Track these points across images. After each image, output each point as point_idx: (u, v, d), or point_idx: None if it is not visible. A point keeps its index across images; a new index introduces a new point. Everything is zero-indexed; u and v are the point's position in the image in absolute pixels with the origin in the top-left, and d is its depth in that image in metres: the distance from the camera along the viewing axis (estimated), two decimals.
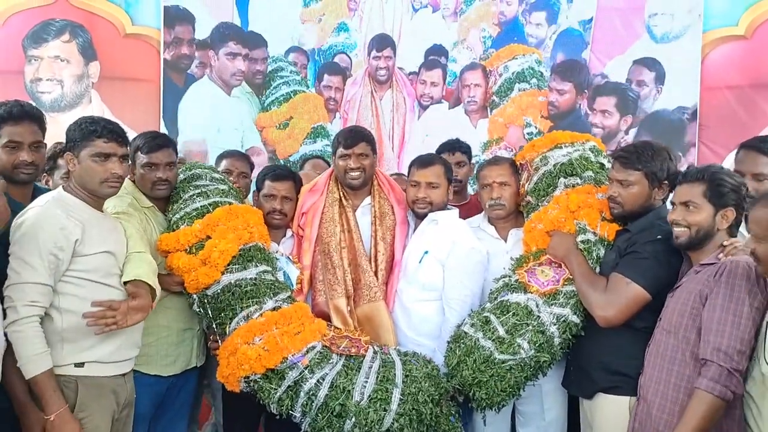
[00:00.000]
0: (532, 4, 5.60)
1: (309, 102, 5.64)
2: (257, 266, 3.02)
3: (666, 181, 2.87)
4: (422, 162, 3.35)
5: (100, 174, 2.63)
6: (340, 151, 3.34)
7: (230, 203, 3.14)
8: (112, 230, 2.76)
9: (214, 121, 5.58)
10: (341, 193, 3.41)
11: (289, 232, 3.42)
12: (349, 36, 5.71)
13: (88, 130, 2.64)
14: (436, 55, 5.65)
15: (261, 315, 2.92)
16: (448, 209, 3.34)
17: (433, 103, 5.64)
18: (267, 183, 3.38)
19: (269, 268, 3.07)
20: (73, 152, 2.65)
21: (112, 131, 2.66)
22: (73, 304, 2.55)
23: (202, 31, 5.62)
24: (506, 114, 5.55)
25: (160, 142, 3.13)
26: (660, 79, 5.51)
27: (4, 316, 2.43)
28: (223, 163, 3.85)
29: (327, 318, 3.18)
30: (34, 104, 3.05)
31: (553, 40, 5.60)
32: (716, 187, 2.54)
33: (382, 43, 5.67)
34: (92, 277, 2.60)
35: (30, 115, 2.79)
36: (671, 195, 2.77)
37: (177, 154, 3.25)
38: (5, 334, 2.42)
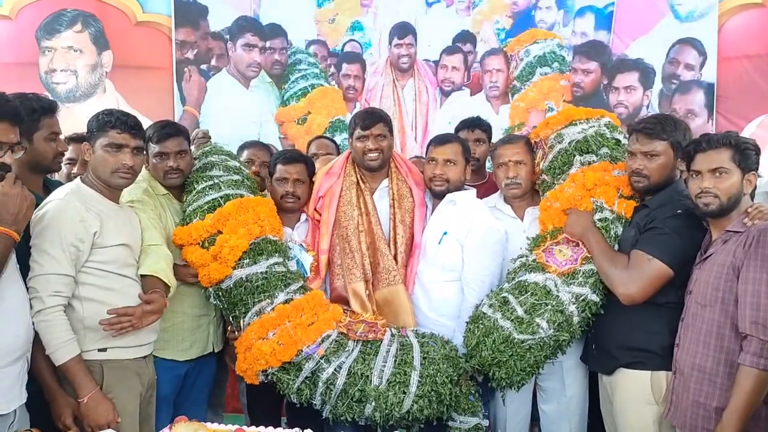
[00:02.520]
0: None
1: (327, 96, 5.64)
2: (268, 259, 3.03)
3: None
4: (440, 140, 3.36)
5: (111, 164, 2.69)
6: (358, 132, 3.31)
7: (242, 195, 3.13)
8: (127, 222, 2.81)
9: (233, 114, 5.59)
10: (358, 176, 3.38)
11: (303, 217, 3.41)
12: (364, 35, 5.69)
13: (103, 121, 2.71)
14: (461, 42, 5.61)
15: (273, 309, 2.94)
16: (466, 189, 3.33)
17: (455, 89, 5.60)
18: (279, 167, 3.37)
19: (281, 260, 3.07)
20: (90, 142, 2.72)
21: (125, 123, 2.71)
22: (92, 293, 2.62)
23: (217, 24, 5.64)
24: (528, 99, 5.50)
25: (169, 131, 3.15)
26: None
27: (31, 307, 2.48)
28: (245, 154, 3.86)
29: (345, 302, 3.19)
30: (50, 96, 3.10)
31: (568, 23, 5.55)
32: (743, 151, 2.51)
33: (404, 31, 5.65)
34: (110, 268, 2.66)
35: (56, 109, 2.88)
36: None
37: (189, 142, 3.26)
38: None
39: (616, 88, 5.49)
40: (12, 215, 2.29)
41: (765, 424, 2.44)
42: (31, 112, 2.68)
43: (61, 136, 2.93)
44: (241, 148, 3.99)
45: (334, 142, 4.52)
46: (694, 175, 2.60)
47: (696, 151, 2.59)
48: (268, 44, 5.62)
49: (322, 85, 5.64)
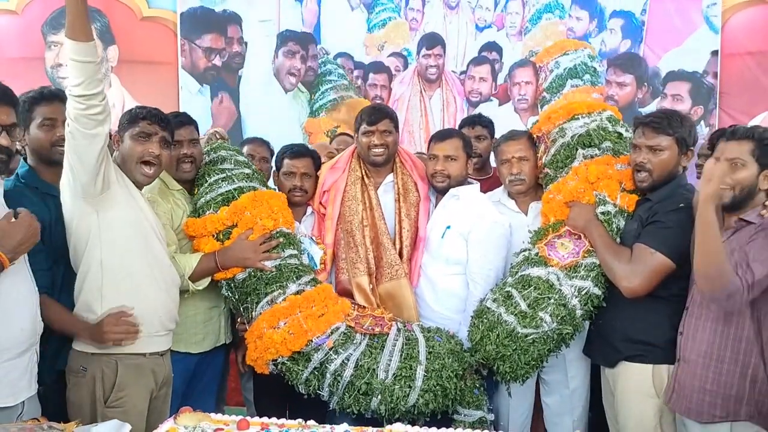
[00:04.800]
0: (602, 14, 5.48)
1: (355, 110, 5.57)
2: (283, 251, 3.07)
3: (692, 148, 2.85)
4: (440, 135, 3.37)
5: (138, 152, 2.75)
6: (364, 127, 3.33)
7: (254, 188, 3.16)
8: (150, 210, 2.88)
9: (271, 120, 5.65)
10: (363, 170, 3.40)
11: (309, 210, 3.44)
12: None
13: (135, 113, 2.81)
14: (487, 51, 5.58)
15: (284, 299, 2.98)
16: (469, 183, 3.35)
17: (483, 100, 5.56)
18: (286, 161, 3.41)
19: (294, 252, 3.11)
20: (120, 134, 2.80)
21: (156, 115, 2.81)
22: (114, 259, 2.65)
23: (248, 32, 5.72)
24: None
25: (182, 120, 3.20)
26: None
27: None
28: (245, 149, 3.89)
29: (350, 295, 3.22)
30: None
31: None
32: (765, 146, 2.50)
33: (432, 41, 5.64)
34: (133, 230, 2.71)
35: (59, 97, 2.83)
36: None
37: (198, 132, 3.31)
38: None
39: (665, 94, 5.40)
40: (13, 246, 2.28)
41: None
42: (23, 103, 2.69)
43: None
44: (242, 144, 4.04)
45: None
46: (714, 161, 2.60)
47: (719, 140, 2.60)
48: (303, 52, 5.69)
49: (351, 97, 5.64)
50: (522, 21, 5.55)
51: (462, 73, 5.68)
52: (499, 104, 5.58)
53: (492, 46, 5.58)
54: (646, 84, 5.45)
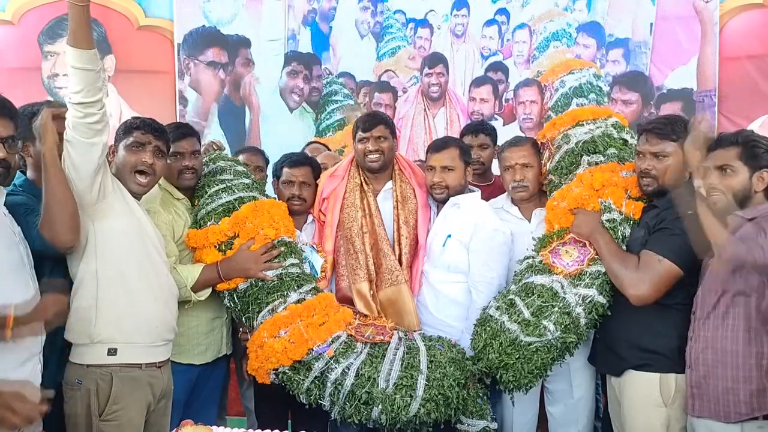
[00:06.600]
0: (610, 43, 5.49)
1: None
2: (285, 260, 3.07)
3: None
4: (437, 146, 3.35)
5: (132, 162, 2.76)
6: (359, 134, 3.34)
7: (255, 198, 3.16)
8: (150, 221, 2.86)
9: (280, 139, 5.63)
10: (362, 178, 3.41)
11: (309, 218, 3.45)
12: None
13: (129, 124, 2.82)
14: (492, 71, 5.60)
15: (285, 308, 2.97)
16: (471, 190, 3.34)
17: (486, 120, 5.55)
18: (285, 170, 3.42)
19: (296, 261, 3.10)
20: (115, 145, 2.80)
21: (150, 125, 2.81)
22: (109, 268, 2.64)
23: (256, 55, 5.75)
24: None
25: (183, 131, 3.20)
26: None
27: None
28: (240, 158, 3.88)
29: (350, 302, 3.21)
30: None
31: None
32: (751, 149, 2.51)
33: (434, 60, 5.66)
34: (130, 240, 2.69)
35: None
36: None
37: (200, 143, 3.31)
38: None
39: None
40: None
41: None
42: (31, 116, 2.69)
43: None
44: (236, 153, 4.04)
45: (327, 148, 4.55)
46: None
47: (710, 149, 2.61)
48: (306, 72, 5.73)
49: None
50: (529, 49, 5.57)
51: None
52: (504, 124, 5.57)
53: (498, 66, 5.58)
54: (652, 103, 5.45)
